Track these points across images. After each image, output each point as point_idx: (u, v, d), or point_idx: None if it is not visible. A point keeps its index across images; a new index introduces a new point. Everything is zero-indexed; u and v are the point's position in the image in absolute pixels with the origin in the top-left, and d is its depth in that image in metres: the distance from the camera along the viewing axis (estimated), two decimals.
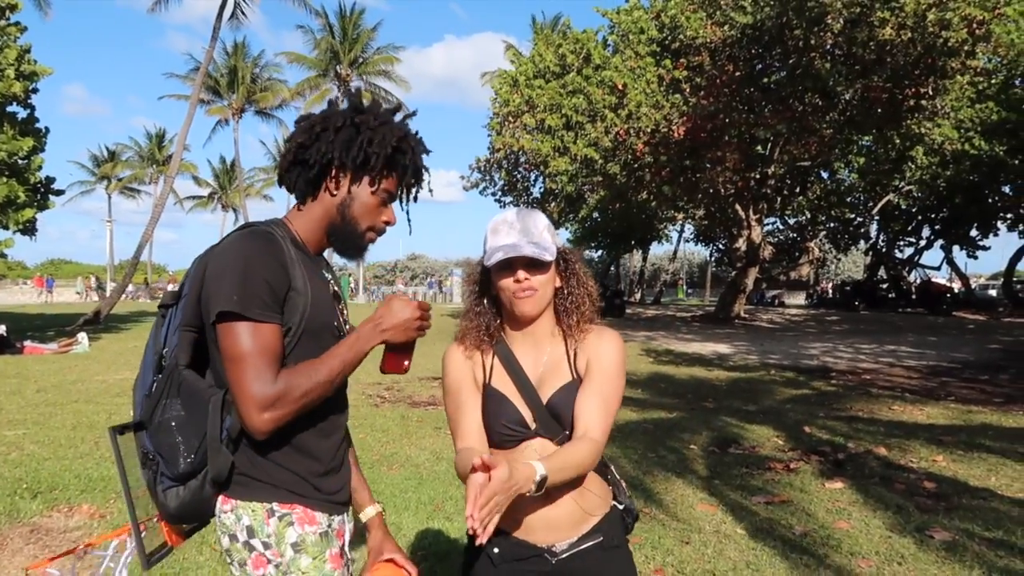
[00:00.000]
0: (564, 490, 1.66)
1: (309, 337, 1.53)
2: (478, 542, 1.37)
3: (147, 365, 1.61)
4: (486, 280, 1.79)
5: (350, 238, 1.63)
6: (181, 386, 1.51)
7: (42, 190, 19.46)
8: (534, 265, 1.69)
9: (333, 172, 1.59)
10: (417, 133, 1.68)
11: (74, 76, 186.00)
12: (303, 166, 1.59)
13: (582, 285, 1.79)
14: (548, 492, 1.57)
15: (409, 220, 1.74)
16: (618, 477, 1.89)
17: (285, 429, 1.48)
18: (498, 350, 1.78)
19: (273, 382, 1.43)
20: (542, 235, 1.72)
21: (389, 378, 10.52)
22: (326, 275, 1.67)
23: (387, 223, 1.65)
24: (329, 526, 1.58)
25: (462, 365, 1.80)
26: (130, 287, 38.13)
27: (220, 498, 1.54)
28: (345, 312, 1.72)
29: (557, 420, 1.70)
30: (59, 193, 20.68)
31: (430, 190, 1.77)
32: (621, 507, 1.82)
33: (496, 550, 1.71)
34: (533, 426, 1.71)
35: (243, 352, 1.42)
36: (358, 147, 1.56)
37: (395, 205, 1.69)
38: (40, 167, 19.03)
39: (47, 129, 19.34)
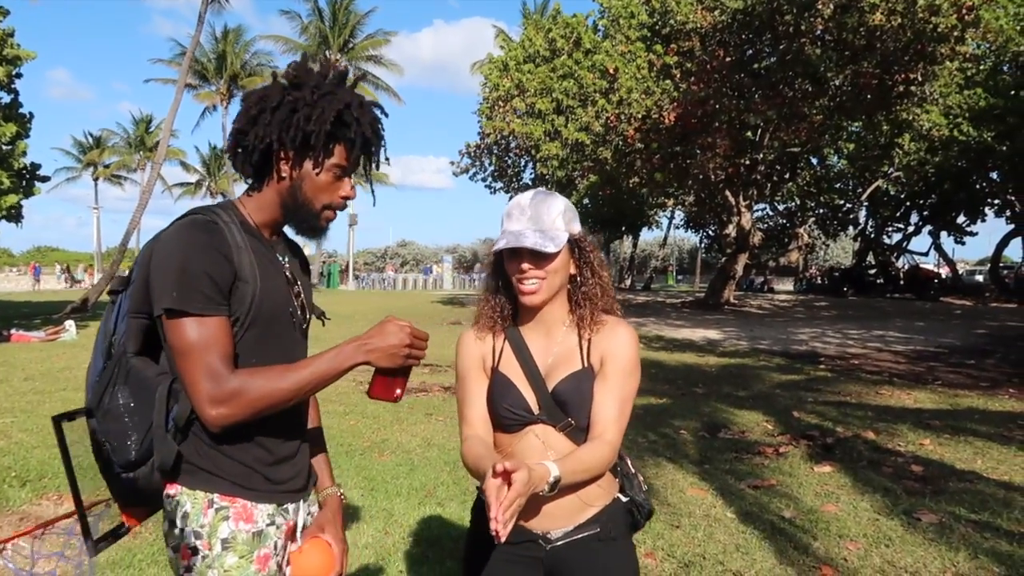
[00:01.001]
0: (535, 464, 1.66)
1: (260, 326, 1.49)
2: (501, 540, 1.40)
3: (98, 350, 1.57)
4: (500, 263, 1.77)
5: (306, 219, 1.56)
6: (129, 374, 1.49)
7: (27, 176, 19.29)
8: (540, 255, 1.66)
9: (278, 155, 1.51)
10: (371, 104, 1.58)
11: (58, 61, 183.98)
12: (245, 152, 1.52)
13: (596, 275, 1.76)
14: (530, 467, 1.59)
15: (372, 191, 1.67)
16: (632, 471, 1.86)
17: (252, 423, 1.45)
18: (509, 335, 1.78)
19: (224, 377, 1.39)
20: (554, 222, 1.68)
21: None
22: (282, 259, 1.61)
23: (345, 198, 1.56)
24: (272, 522, 1.55)
25: (473, 351, 1.81)
26: (117, 275, 37.89)
27: (167, 483, 1.53)
28: (302, 297, 1.65)
29: (562, 408, 1.70)
30: (44, 179, 20.50)
31: (386, 158, 1.63)
32: (625, 500, 1.79)
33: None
34: (536, 412, 1.71)
35: (189, 347, 1.39)
36: (295, 127, 1.47)
37: (361, 178, 1.63)
38: (24, 153, 18.85)
39: (31, 115, 19.15)
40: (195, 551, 1.48)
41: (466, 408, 1.80)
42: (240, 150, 1.54)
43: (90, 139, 64.69)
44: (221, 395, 1.38)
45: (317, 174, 1.52)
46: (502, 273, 1.77)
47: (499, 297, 1.79)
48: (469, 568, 1.79)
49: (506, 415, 1.73)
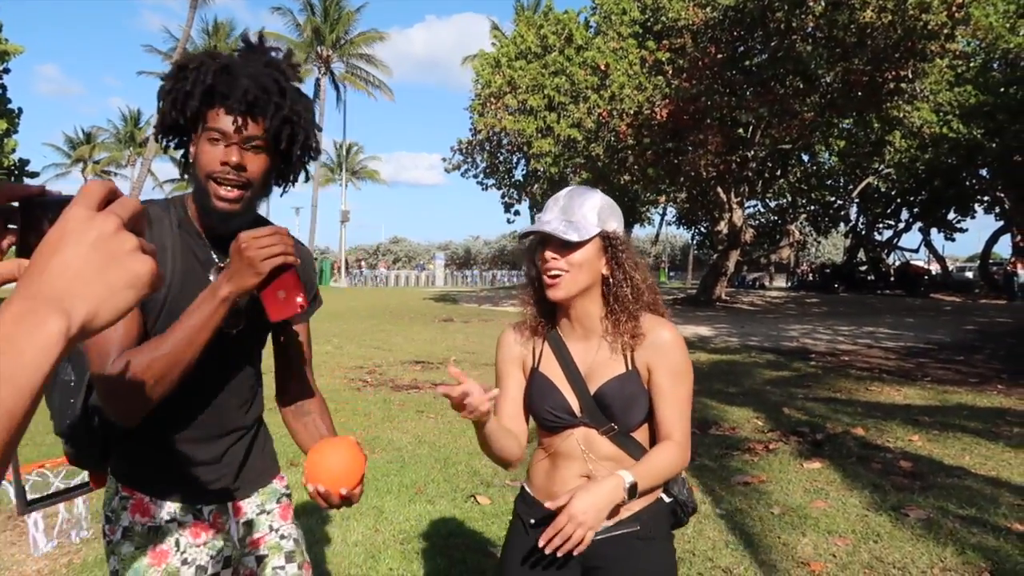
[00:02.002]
0: (604, 475, 1.66)
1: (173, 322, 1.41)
2: (576, 551, 1.52)
3: None
4: (533, 260, 1.73)
5: (201, 199, 1.45)
6: (74, 353, 1.47)
7: (16, 172, 19.18)
8: (563, 245, 1.62)
9: (183, 137, 1.46)
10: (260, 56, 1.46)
11: (47, 56, 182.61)
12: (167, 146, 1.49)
13: (627, 276, 1.69)
14: (591, 478, 1.66)
15: (294, 161, 1.52)
16: None
17: (149, 419, 1.40)
18: (550, 337, 1.76)
19: (110, 370, 1.34)
20: (585, 215, 1.63)
21: (371, 362, 10.51)
22: (218, 260, 1.52)
23: (225, 164, 1.39)
24: (173, 519, 1.54)
25: (512, 348, 1.81)
26: None
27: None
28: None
29: (604, 411, 1.68)
30: (34, 176, 20.39)
31: (254, 108, 1.40)
32: (669, 500, 1.78)
33: (532, 520, 1.75)
34: (579, 414, 1.70)
35: (85, 346, 1.36)
36: (169, 105, 1.40)
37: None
38: (14, 149, 18.73)
39: (20, 110, 19.04)
40: (105, 534, 1.55)
41: (500, 404, 1.79)
42: (158, 135, 1.49)
43: (80, 135, 64.40)
44: (107, 386, 1.34)
45: (196, 147, 1.43)
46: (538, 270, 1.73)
47: (537, 295, 1.76)
48: (509, 559, 1.79)
49: (548, 417, 1.72)
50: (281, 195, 1.60)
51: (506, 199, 29.38)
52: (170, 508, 1.54)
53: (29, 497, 1.74)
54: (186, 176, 1.50)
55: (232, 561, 1.63)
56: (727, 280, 26.95)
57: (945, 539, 3.87)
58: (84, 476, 1.89)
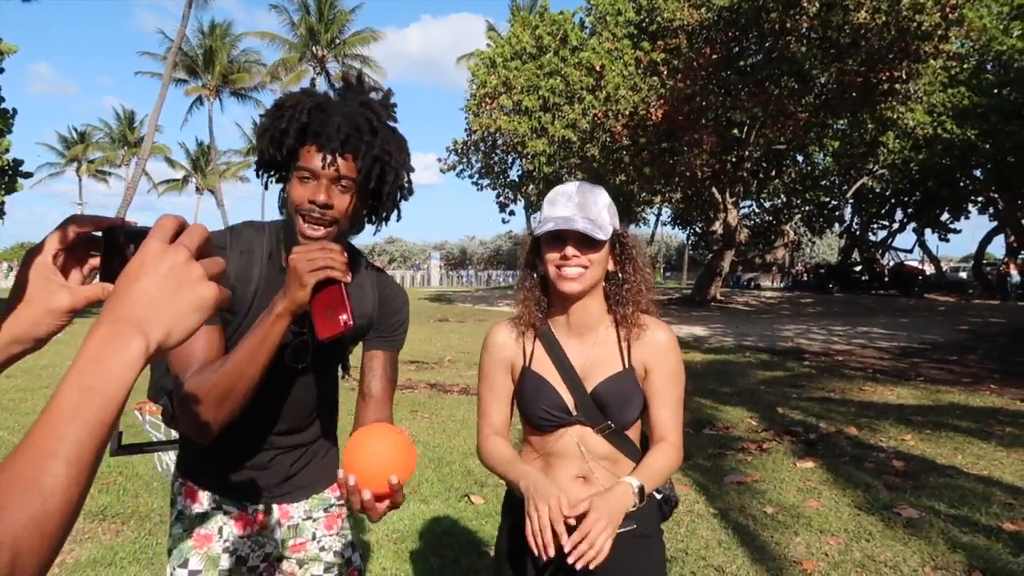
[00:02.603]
0: (602, 477, 1.67)
1: None
2: (592, 566, 1.47)
3: None
4: (537, 254, 1.71)
5: (288, 233, 1.48)
6: None
7: (10, 172, 19.11)
8: (586, 242, 1.61)
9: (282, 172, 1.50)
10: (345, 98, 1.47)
11: (40, 55, 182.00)
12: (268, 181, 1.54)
13: (639, 272, 1.70)
14: (586, 478, 1.67)
15: (385, 202, 1.52)
16: None
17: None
18: (541, 334, 1.74)
19: (185, 383, 1.38)
20: (600, 212, 1.64)
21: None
22: None
23: (312, 202, 1.41)
24: (218, 507, 1.64)
25: (502, 348, 1.77)
26: None
27: None
28: (299, 337, 1.56)
29: (601, 410, 1.68)
30: (27, 175, 20.32)
31: (348, 147, 1.41)
32: (659, 496, 1.79)
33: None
34: (575, 413, 1.69)
35: (169, 358, 1.42)
36: (267, 142, 1.44)
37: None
38: (7, 149, 18.66)
39: (14, 110, 18.98)
40: (170, 514, 1.69)
41: (488, 406, 1.79)
42: (259, 171, 1.53)
43: (74, 134, 64.16)
44: (181, 405, 1.39)
45: (292, 181, 1.45)
46: (538, 264, 1.71)
47: (535, 291, 1.73)
48: (503, 561, 1.79)
49: (543, 415, 1.70)
50: (374, 233, 1.61)
51: (501, 199, 29.39)
52: (215, 500, 1.64)
53: (127, 442, 1.87)
54: (284, 210, 1.52)
55: (272, 558, 1.69)
56: (722, 280, 27.01)
57: (937, 538, 3.89)
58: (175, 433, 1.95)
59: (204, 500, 1.64)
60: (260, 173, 1.52)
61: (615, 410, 1.67)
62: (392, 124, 1.50)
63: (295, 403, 1.63)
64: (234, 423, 1.47)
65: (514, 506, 1.79)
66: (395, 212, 1.57)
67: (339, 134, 1.39)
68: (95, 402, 0.59)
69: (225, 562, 1.62)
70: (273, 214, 1.70)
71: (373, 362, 1.68)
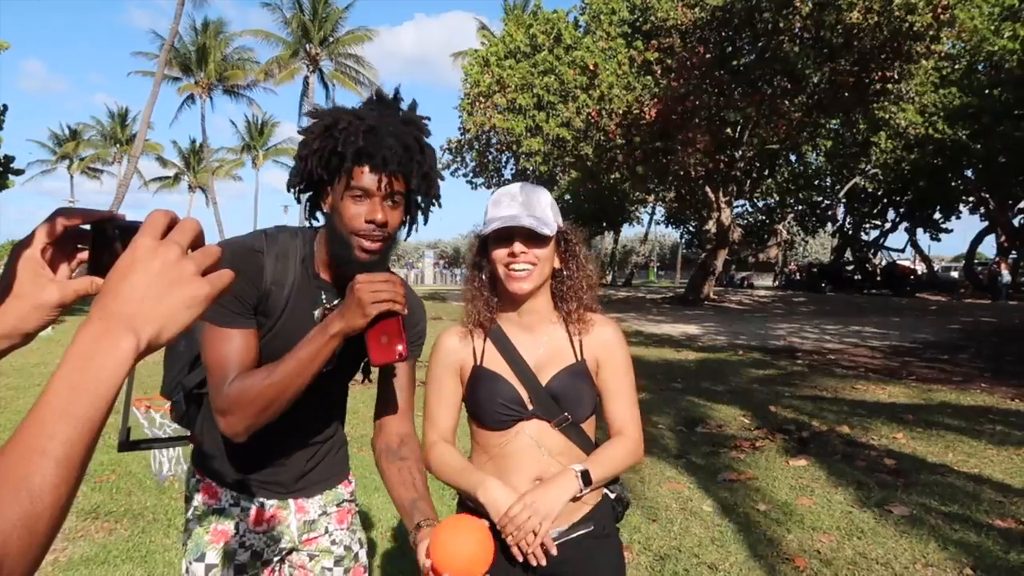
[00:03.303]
0: (558, 471, 1.68)
1: (269, 361, 1.49)
2: (536, 551, 1.55)
3: None
4: (484, 254, 1.73)
5: (342, 251, 1.50)
6: (196, 328, 1.62)
7: (1, 169, 19.00)
8: (533, 239, 1.63)
9: (323, 187, 1.51)
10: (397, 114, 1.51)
11: (31, 51, 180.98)
12: (296, 184, 1.55)
13: (582, 269, 1.72)
14: (542, 479, 1.65)
15: (422, 210, 1.57)
16: None
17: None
18: (492, 332, 1.74)
19: (224, 388, 1.45)
20: (544, 210, 1.67)
21: None
22: (326, 302, 1.59)
23: (370, 222, 1.45)
24: (236, 503, 1.69)
25: (451, 352, 1.78)
26: None
27: None
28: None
29: (557, 402, 1.68)
30: (19, 172, 20.20)
31: (400, 166, 1.46)
32: (612, 496, 1.79)
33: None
34: (530, 407, 1.69)
35: (205, 360, 1.50)
36: (299, 164, 1.49)
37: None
38: None
39: (5, 107, 18.86)
40: (185, 511, 1.75)
41: (435, 411, 1.78)
42: (293, 186, 1.55)
43: (66, 131, 63.81)
44: (223, 404, 1.45)
45: (337, 202, 1.47)
46: (486, 264, 1.73)
47: (484, 291, 1.75)
48: None
49: (498, 410, 1.69)
50: (406, 238, 1.62)
51: None
52: (233, 496, 1.69)
53: (132, 438, 1.89)
54: (312, 220, 1.57)
55: (287, 553, 1.74)
56: (715, 279, 27.07)
57: (928, 535, 3.91)
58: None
59: (222, 496, 1.69)
60: (293, 187, 1.54)
61: (571, 402, 1.68)
62: (428, 138, 1.54)
63: (314, 405, 1.64)
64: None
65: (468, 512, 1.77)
66: (423, 221, 1.62)
67: (394, 155, 1.43)
68: (85, 400, 0.59)
69: (241, 557, 1.66)
70: (268, 212, 1.74)
71: (396, 372, 1.71)
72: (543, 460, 1.68)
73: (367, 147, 1.42)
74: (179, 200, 63.99)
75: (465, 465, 1.71)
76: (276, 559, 1.73)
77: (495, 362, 1.72)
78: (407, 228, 1.60)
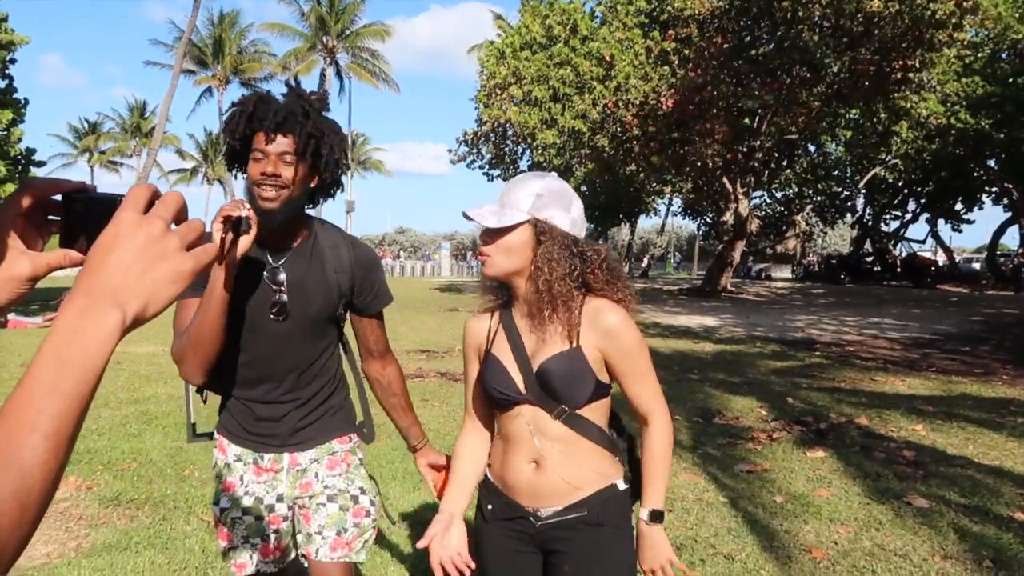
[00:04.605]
0: (553, 462, 1.70)
1: (235, 321, 1.83)
2: None
3: None
4: None
5: (253, 205, 1.76)
6: None
7: (23, 163, 19.23)
8: (490, 229, 1.69)
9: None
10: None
11: (50, 46, 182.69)
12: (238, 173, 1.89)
13: (539, 268, 1.67)
14: (538, 463, 1.72)
15: (330, 174, 1.89)
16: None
17: (227, 384, 1.96)
18: (503, 317, 1.81)
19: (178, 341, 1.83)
20: (517, 202, 1.68)
21: None
22: (273, 262, 1.88)
23: (263, 174, 1.76)
24: (239, 459, 2.01)
25: (471, 336, 1.89)
26: None
27: None
28: (277, 297, 1.88)
29: (545, 388, 1.69)
30: (40, 165, 20.43)
31: (285, 127, 1.77)
32: (623, 488, 1.78)
33: (490, 506, 1.83)
34: (523, 392, 1.72)
35: (175, 322, 1.87)
36: (228, 135, 1.80)
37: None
38: (20, 139, 18.77)
39: (26, 100, 19.06)
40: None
41: (467, 395, 1.93)
42: (227, 164, 1.90)
43: (86, 125, 64.40)
44: (176, 356, 1.84)
45: (248, 164, 1.80)
46: None
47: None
48: (474, 545, 1.87)
49: (495, 395, 1.76)
50: (322, 200, 2.03)
51: None
52: (237, 451, 2.00)
53: (199, 431, 2.19)
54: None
55: (285, 497, 2.02)
56: (733, 270, 26.91)
57: (947, 528, 3.88)
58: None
59: (229, 453, 2.01)
60: (229, 165, 1.88)
61: (560, 388, 1.68)
62: (324, 113, 1.85)
63: (293, 363, 1.95)
64: (246, 383, 1.95)
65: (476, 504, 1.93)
66: (338, 185, 1.94)
67: (277, 116, 1.74)
68: (73, 375, 0.59)
69: (247, 501, 1.99)
70: None
71: (367, 324, 2.10)
72: (537, 445, 1.72)
73: (256, 112, 1.76)
74: (198, 192, 64.46)
75: (459, 478, 1.90)
76: (277, 503, 2.01)
77: (500, 346, 1.78)
78: (322, 192, 1.92)
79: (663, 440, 1.78)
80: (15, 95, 18.66)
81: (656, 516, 1.74)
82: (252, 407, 1.96)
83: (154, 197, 0.68)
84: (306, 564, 2.04)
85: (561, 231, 1.69)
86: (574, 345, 1.70)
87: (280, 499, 2.02)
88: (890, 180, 31.57)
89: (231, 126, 1.79)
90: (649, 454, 1.78)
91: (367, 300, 2.03)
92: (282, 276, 1.88)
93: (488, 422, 1.90)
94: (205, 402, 2.08)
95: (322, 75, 48.18)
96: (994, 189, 29.63)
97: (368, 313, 2.08)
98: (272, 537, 2.02)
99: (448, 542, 1.78)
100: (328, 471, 2.03)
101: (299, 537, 2.04)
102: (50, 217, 0.80)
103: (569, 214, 1.71)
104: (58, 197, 0.77)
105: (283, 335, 1.91)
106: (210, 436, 2.12)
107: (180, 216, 0.69)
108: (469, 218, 1.72)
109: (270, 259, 1.89)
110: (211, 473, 2.08)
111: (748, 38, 18.93)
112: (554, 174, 1.77)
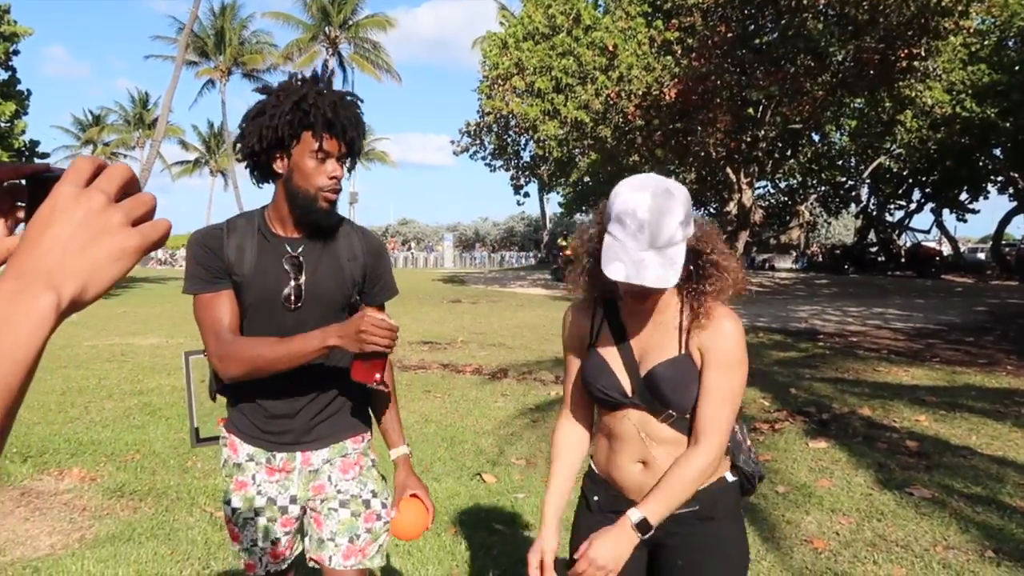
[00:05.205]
0: (662, 462, 1.67)
1: (255, 310, 1.86)
2: None
3: None
4: (598, 243, 1.60)
5: (307, 205, 1.82)
6: None
7: (26, 154, 19.24)
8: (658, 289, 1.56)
9: (271, 157, 1.80)
10: (324, 88, 1.81)
11: (53, 37, 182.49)
12: (248, 161, 1.85)
13: (720, 272, 1.63)
14: (646, 463, 1.69)
15: (350, 168, 1.96)
16: (741, 439, 1.80)
17: (245, 382, 1.85)
18: (608, 312, 1.73)
19: (224, 338, 1.79)
20: (672, 237, 1.50)
21: None
22: (293, 252, 1.88)
23: (333, 178, 1.81)
24: (251, 459, 1.96)
25: (573, 327, 1.82)
26: None
27: None
28: (295, 285, 1.87)
29: (654, 394, 1.65)
30: (44, 157, 20.46)
31: (352, 134, 1.81)
32: (732, 480, 1.75)
33: (596, 498, 1.80)
34: (630, 395, 1.68)
35: (198, 319, 1.85)
36: (264, 127, 1.76)
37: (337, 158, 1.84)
38: (24, 131, 18.78)
39: (29, 92, 19.06)
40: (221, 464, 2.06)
41: (567, 385, 1.87)
42: (246, 165, 1.87)
43: (89, 117, 64.42)
44: (221, 351, 1.78)
45: (300, 163, 1.78)
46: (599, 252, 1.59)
47: (595, 273, 1.64)
48: (575, 534, 1.82)
49: (600, 396, 1.71)
50: None
51: (515, 181, 29.33)
52: (250, 450, 1.96)
53: (202, 436, 2.19)
54: (259, 183, 1.89)
55: (298, 499, 1.98)
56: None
57: (949, 518, 3.88)
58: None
59: (240, 452, 1.97)
60: (259, 148, 1.80)
61: (668, 394, 1.63)
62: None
63: (312, 371, 1.90)
64: (259, 381, 1.88)
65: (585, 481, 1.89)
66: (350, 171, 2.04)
67: (351, 126, 1.79)
68: (2, 366, 0.53)
69: (259, 502, 1.96)
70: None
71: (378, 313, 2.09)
72: (646, 447, 1.68)
73: (334, 119, 1.76)
74: (201, 184, 64.50)
75: (559, 468, 1.83)
76: (290, 504, 1.97)
77: (605, 344, 1.72)
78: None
79: (698, 468, 1.63)
80: (18, 87, 18.67)
81: (643, 526, 1.59)
82: (265, 403, 1.92)
83: (98, 170, 0.63)
84: (315, 566, 2.02)
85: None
86: (683, 351, 1.65)
87: (293, 500, 1.98)
88: (895, 169, 31.41)
89: (293, 123, 1.74)
90: (676, 470, 1.63)
91: (374, 290, 2.03)
92: (299, 262, 1.88)
93: (586, 414, 1.86)
94: (214, 399, 2.04)
95: (324, 65, 47.93)
96: (999, 178, 29.45)
97: (372, 304, 2.05)
98: (283, 539, 2.00)
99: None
100: (341, 475, 1.99)
101: (309, 541, 2.01)
102: (18, 203, 0.75)
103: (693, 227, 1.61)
104: (23, 180, 0.72)
105: (299, 322, 1.88)
106: (215, 440, 2.10)
107: (128, 190, 0.64)
108: (633, 285, 1.51)
109: (288, 248, 1.89)
110: (221, 472, 2.05)
111: (752, 27, 18.83)
112: (659, 178, 1.57)
